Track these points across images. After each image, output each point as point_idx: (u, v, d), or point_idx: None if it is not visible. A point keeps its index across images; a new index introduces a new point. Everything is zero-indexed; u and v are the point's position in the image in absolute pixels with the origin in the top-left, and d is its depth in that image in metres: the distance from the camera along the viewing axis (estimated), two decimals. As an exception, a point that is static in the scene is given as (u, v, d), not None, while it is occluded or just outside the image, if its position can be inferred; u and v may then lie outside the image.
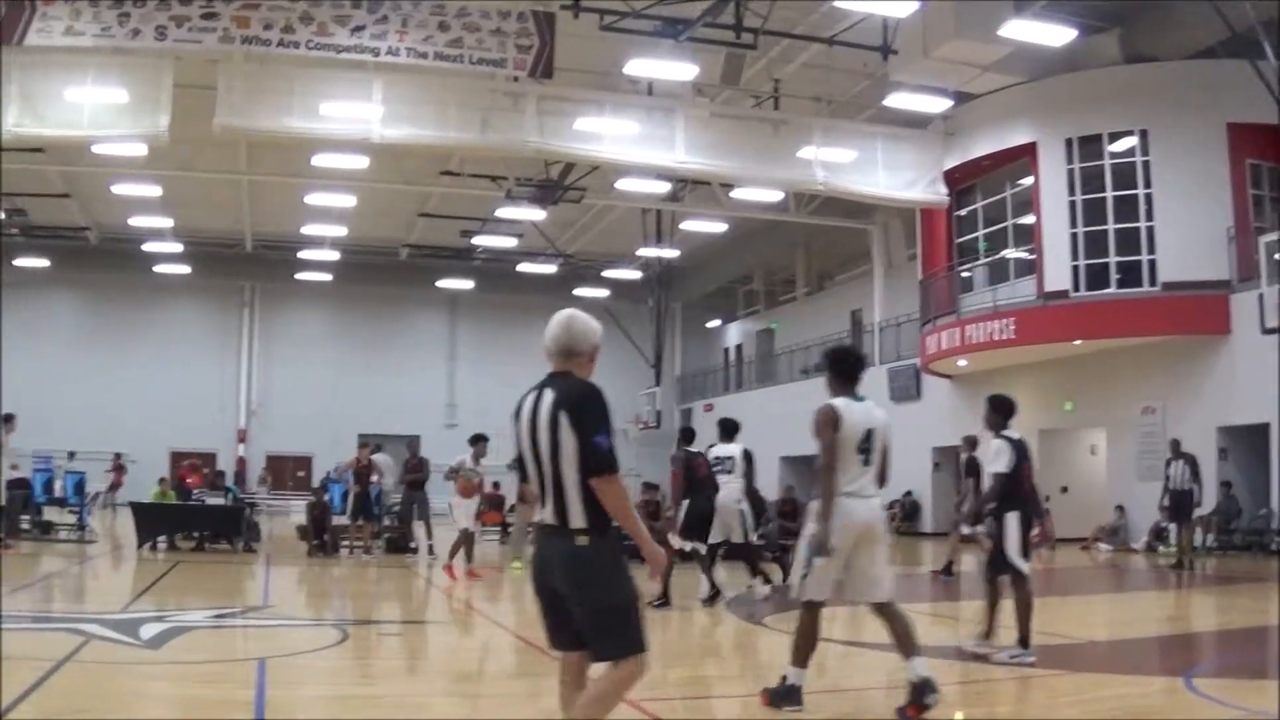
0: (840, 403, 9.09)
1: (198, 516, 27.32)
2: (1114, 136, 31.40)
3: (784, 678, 9.04)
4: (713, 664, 13.12)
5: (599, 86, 31.47)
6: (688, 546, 17.64)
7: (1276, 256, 23.79)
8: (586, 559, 6.40)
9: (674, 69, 28.78)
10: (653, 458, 50.66)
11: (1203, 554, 27.53)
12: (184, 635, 12.63)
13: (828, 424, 8.97)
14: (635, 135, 30.83)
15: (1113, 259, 30.96)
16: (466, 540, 21.86)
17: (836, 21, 28.97)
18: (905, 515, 40.54)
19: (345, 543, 26.51)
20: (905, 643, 8.92)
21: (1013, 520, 11.73)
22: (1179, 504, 24.95)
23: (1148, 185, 30.49)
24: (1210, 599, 20.07)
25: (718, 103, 33.47)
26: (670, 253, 48.18)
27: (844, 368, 9.42)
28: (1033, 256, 33.01)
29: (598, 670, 6.48)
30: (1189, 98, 30.19)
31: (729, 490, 18.10)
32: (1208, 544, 27.88)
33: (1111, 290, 30.95)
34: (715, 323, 63.32)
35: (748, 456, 18.65)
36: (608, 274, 52.79)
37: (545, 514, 6.50)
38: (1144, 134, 30.77)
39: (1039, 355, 33.47)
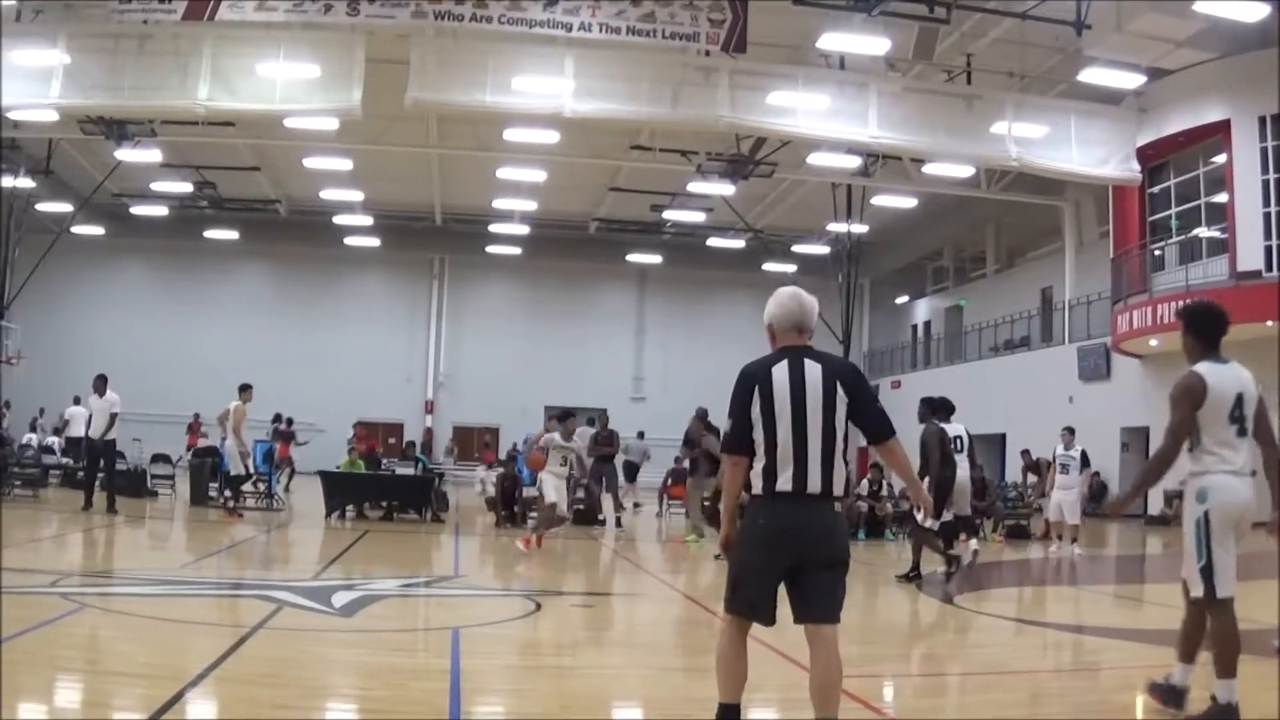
0: (1205, 368, 8.00)
1: (386, 486, 27.92)
2: (1308, 114, 30.80)
3: (1214, 697, 7.73)
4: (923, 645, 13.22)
5: (791, 61, 31.71)
6: (933, 522, 17.57)
7: None
8: (843, 525, 6.91)
9: (866, 43, 28.94)
10: (841, 434, 50.56)
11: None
12: (376, 603, 12.86)
13: (1186, 396, 7.92)
14: (827, 110, 31.01)
15: (1304, 240, 30.41)
16: (550, 515, 20.79)
17: (1032, -5, 28.80)
18: (1093, 497, 40.06)
19: (533, 514, 26.35)
20: (1224, 660, 7.75)
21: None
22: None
23: (1343, 164, 29.87)
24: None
25: (910, 77, 33.45)
26: (859, 228, 48.03)
27: (1204, 327, 8.30)
28: (1225, 235, 32.53)
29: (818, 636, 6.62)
30: (1385, 74, 29.55)
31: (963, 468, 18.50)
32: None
33: (1306, 271, 30.39)
34: (903, 299, 63.02)
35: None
36: (796, 249, 52.82)
37: (795, 482, 6.57)
38: (1344, 113, 30.11)
39: (1230, 336, 32.47)
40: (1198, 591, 7.86)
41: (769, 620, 6.76)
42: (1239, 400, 7.91)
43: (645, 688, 9.27)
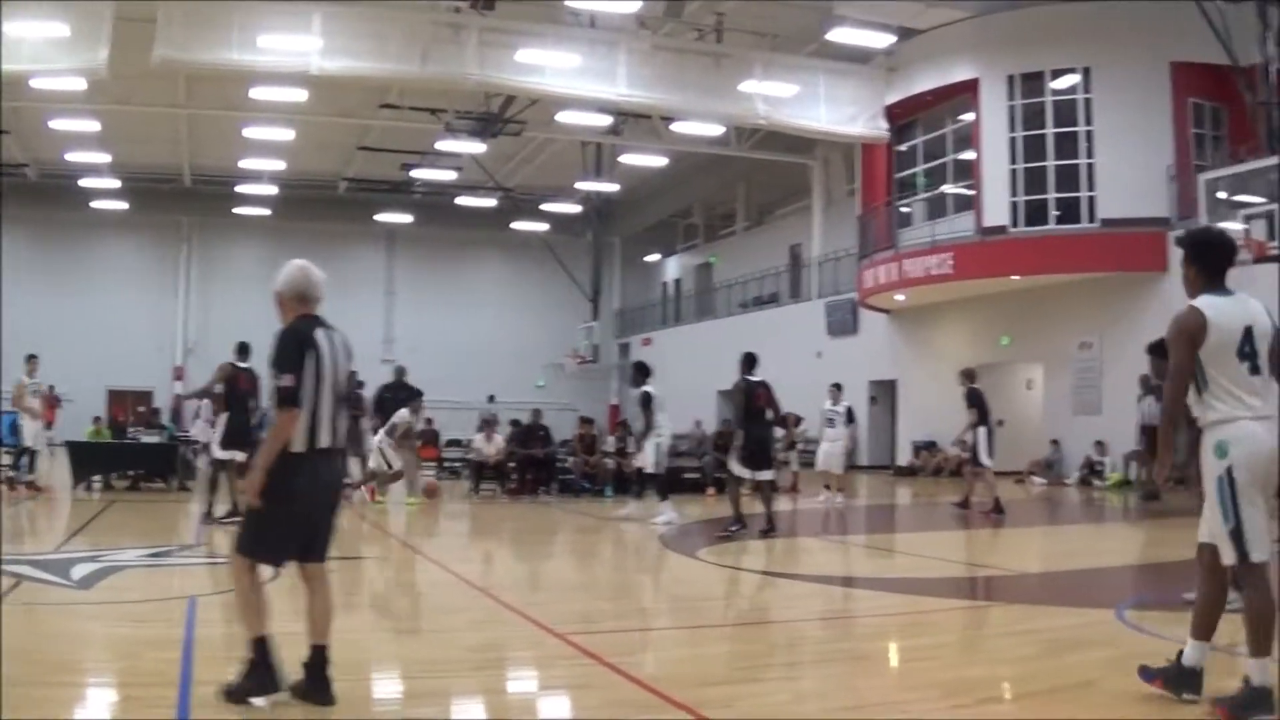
0: (1205, 302, 6.81)
1: (133, 455, 26.73)
2: (1056, 74, 31.24)
3: (1246, 679, 6.55)
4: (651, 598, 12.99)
5: (541, 19, 31.13)
6: (748, 474, 17.62)
7: (1219, 195, 23.72)
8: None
9: (617, 3, 28.50)
10: (589, 391, 50.65)
11: (1136, 487, 27.68)
12: (115, 574, 12.24)
13: (1182, 334, 6.80)
14: (577, 68, 30.74)
15: (1052, 195, 30.94)
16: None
17: (788, -44, 28.74)
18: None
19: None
20: (1257, 632, 6.64)
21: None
22: (1148, 439, 24.96)
23: (1089, 123, 30.45)
24: (1144, 532, 20.09)
25: (660, 36, 33.22)
26: (610, 186, 48.03)
27: (1206, 256, 7.09)
28: (972, 192, 32.84)
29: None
30: (1133, 36, 30.13)
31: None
32: (1141, 477, 27.92)
33: (1050, 226, 30.94)
34: (654, 257, 62.86)
35: (642, 401, 19.61)
36: (546, 207, 52.30)
37: (330, 438, 7.07)
38: (1086, 72, 30.69)
39: (976, 290, 33.40)
40: (1230, 559, 6.71)
41: (281, 563, 7.30)
42: (1248, 334, 6.74)
43: (380, 650, 9.06)
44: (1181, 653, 6.89)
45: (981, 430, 21.23)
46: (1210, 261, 6.98)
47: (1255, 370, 6.71)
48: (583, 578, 14.43)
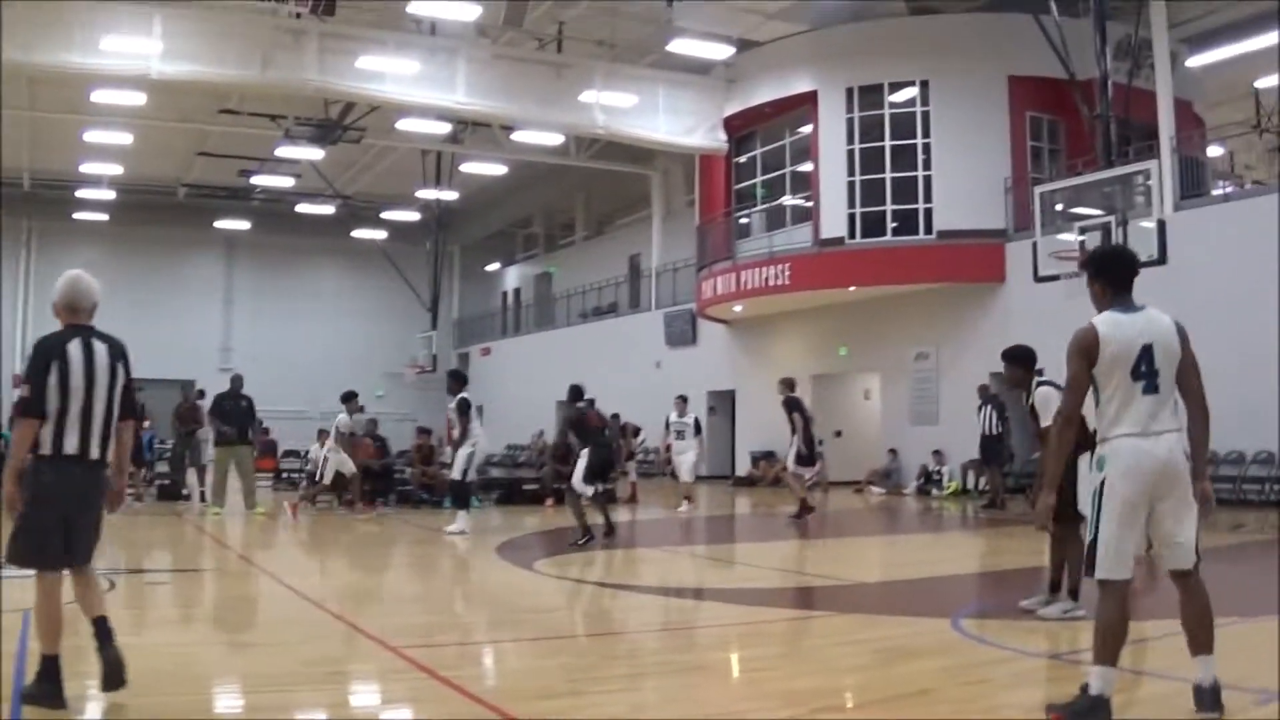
0: (1104, 319, 6.88)
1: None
2: (894, 87, 31.36)
3: (1084, 686, 6.58)
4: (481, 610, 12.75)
5: (382, 25, 30.81)
6: (590, 489, 17.86)
7: (1058, 207, 23.94)
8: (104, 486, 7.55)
9: (457, 9, 28.33)
10: (428, 401, 50.13)
11: (975, 496, 27.90)
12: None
13: (1077, 350, 6.84)
14: (416, 75, 30.48)
15: (889, 207, 31.04)
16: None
17: (625, -37, 28.67)
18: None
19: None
20: (1199, 634, 6.72)
21: (1083, 465, 9.04)
22: (988, 449, 25.17)
23: (926, 135, 30.62)
24: (983, 541, 20.19)
25: (500, 44, 33.00)
26: (449, 195, 47.63)
27: (1109, 270, 7.13)
28: (810, 204, 32.84)
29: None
30: (971, 50, 30.42)
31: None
32: (980, 486, 28.15)
33: (887, 238, 31.07)
34: (494, 266, 62.58)
35: (460, 407, 19.51)
36: (386, 215, 51.71)
37: (80, 446, 7.17)
38: (924, 85, 30.85)
39: (814, 301, 33.51)
40: (1088, 570, 6.85)
41: (62, 566, 7.21)
42: (1146, 352, 6.75)
43: (215, 664, 8.84)
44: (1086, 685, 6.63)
45: (798, 438, 21.67)
46: (1113, 276, 7.01)
47: (1151, 389, 6.73)
48: (418, 590, 14.20)
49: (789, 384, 22.34)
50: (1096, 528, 6.68)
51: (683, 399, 26.14)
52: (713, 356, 39.64)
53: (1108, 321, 6.80)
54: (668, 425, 26.41)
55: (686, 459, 25.95)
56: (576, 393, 19.01)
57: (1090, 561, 6.72)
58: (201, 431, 25.83)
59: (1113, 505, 6.63)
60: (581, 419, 18.50)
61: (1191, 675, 6.65)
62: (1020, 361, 11.14)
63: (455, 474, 19.76)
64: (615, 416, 30.19)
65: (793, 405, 21.75)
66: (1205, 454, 6.99)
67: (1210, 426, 6.95)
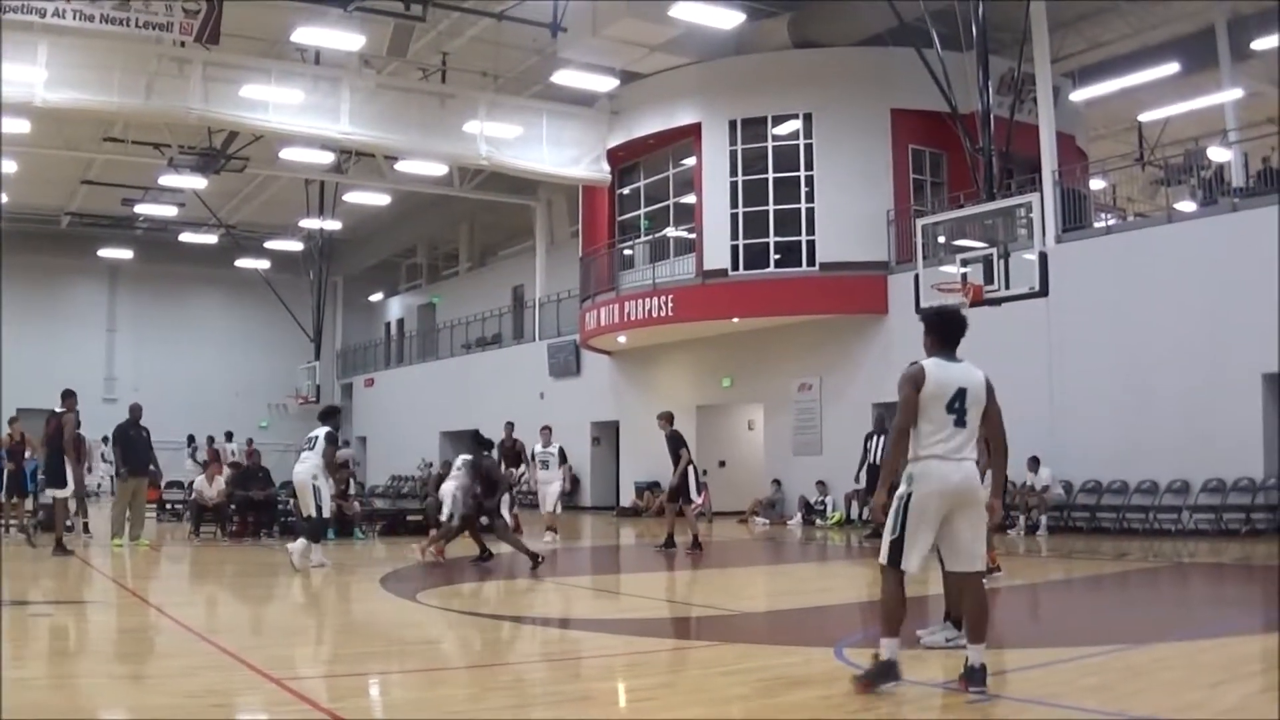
0: (929, 362, 8.35)
1: None
2: (778, 119, 31.37)
3: (875, 655, 8.18)
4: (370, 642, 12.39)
5: (266, 54, 30.59)
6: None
7: (941, 239, 23.88)
8: None
9: (341, 38, 27.98)
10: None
11: (859, 526, 27.78)
12: None
13: (908, 379, 8.27)
14: (300, 104, 30.06)
15: (772, 239, 30.96)
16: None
17: (510, -4, 28.44)
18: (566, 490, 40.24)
19: (-1, 521, 24.74)
20: (976, 626, 8.16)
21: None
22: (875, 478, 25.04)
23: (809, 168, 30.60)
24: (867, 570, 19.97)
25: (385, 74, 32.75)
26: (333, 225, 47.12)
27: (939, 330, 8.58)
28: (693, 236, 32.71)
29: None
30: (854, 84, 30.51)
31: (305, 466, 18.41)
32: (864, 516, 28.02)
33: (770, 270, 30.98)
34: (377, 296, 62.08)
35: (331, 439, 18.85)
36: (269, 245, 51.12)
37: None
38: (808, 118, 30.84)
39: (697, 332, 33.34)
40: (883, 559, 8.22)
41: None
42: (960, 394, 8.21)
43: (97, 697, 8.54)
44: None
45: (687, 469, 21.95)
46: (943, 334, 8.50)
47: (961, 424, 8.16)
48: (300, 622, 13.77)
49: (670, 418, 22.48)
50: (901, 528, 8.08)
51: (547, 429, 25.78)
52: (597, 387, 39.40)
53: (933, 364, 8.29)
54: (532, 456, 25.91)
55: (552, 489, 25.49)
56: (485, 443, 19.69)
57: (893, 554, 8.12)
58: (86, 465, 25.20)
59: (917, 512, 8.03)
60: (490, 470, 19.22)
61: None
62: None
63: (325, 509, 19.05)
64: (500, 444, 30.00)
65: (679, 439, 21.95)
66: (1002, 482, 8.91)
67: (1008, 462, 8.96)
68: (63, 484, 20.97)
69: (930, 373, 8.21)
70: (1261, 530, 22.39)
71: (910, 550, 8.09)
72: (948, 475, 8.07)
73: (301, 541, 18.11)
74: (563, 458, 26.71)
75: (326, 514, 18.84)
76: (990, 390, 8.38)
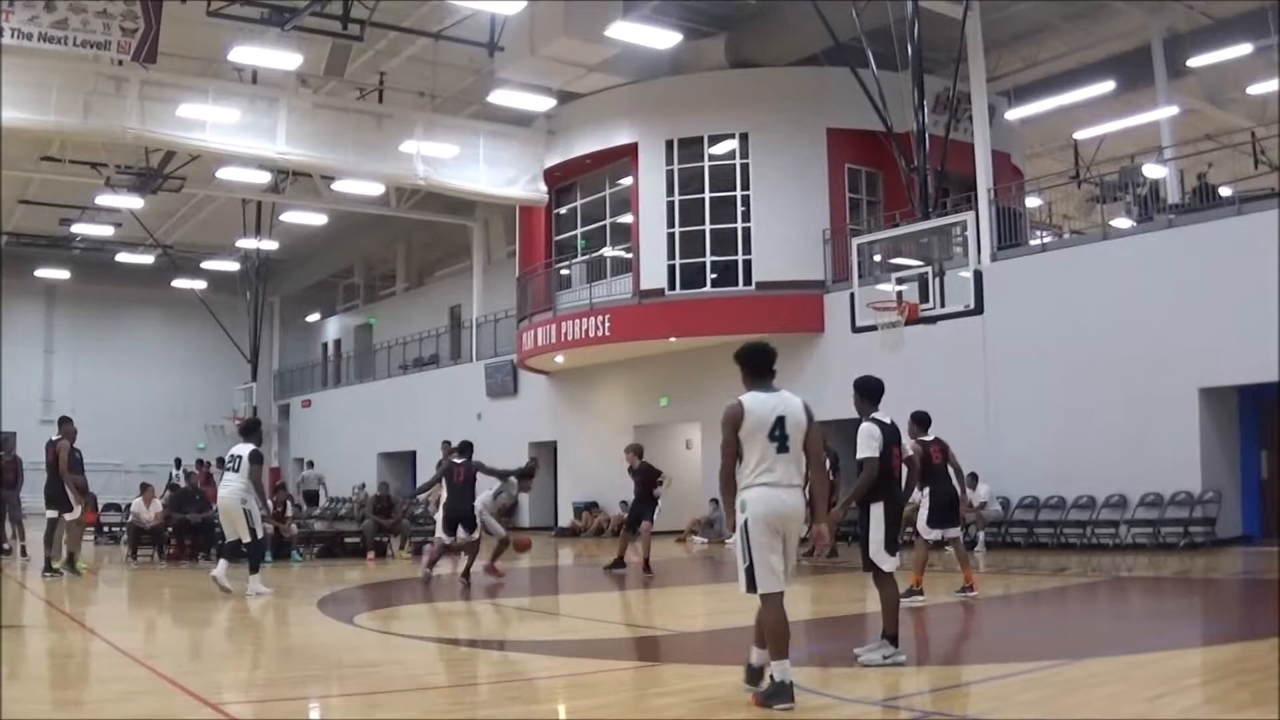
0: (747, 397, 8.76)
1: None
2: (714, 139, 31.28)
3: (770, 676, 8.48)
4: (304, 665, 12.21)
5: (204, 74, 30.33)
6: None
7: (877, 258, 23.88)
8: None
9: (278, 58, 27.79)
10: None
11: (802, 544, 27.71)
12: None
13: (727, 421, 8.71)
14: (237, 124, 29.82)
15: (709, 259, 30.93)
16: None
17: (445, 16, 28.35)
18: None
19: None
20: (777, 642, 8.52)
21: (878, 512, 10.76)
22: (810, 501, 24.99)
23: (746, 187, 30.54)
24: (806, 589, 19.96)
25: (322, 94, 32.59)
26: (269, 245, 46.77)
27: (748, 363, 9.07)
28: (630, 255, 32.63)
29: None
30: (790, 103, 30.51)
31: (231, 489, 17.85)
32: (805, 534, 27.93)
33: (706, 289, 30.94)
34: (314, 317, 61.76)
35: (256, 457, 18.05)
36: (206, 265, 50.59)
37: None
38: (744, 137, 30.79)
39: (635, 352, 33.19)
40: (742, 589, 8.59)
41: None
42: (780, 421, 8.61)
43: None
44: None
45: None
46: (754, 367, 8.99)
47: (783, 450, 8.60)
48: (237, 645, 13.48)
49: (638, 450, 22.49)
50: (750, 555, 8.48)
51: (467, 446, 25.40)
52: (534, 407, 39.19)
53: (750, 398, 8.72)
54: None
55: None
56: (464, 448, 20.23)
57: (750, 582, 8.51)
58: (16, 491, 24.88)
59: (757, 537, 8.44)
60: (450, 473, 19.83)
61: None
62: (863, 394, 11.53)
63: (259, 531, 18.59)
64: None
65: (652, 472, 22.15)
66: (824, 501, 9.94)
67: (824, 480, 9.62)
68: (67, 507, 20.53)
69: (748, 408, 8.64)
70: (1200, 544, 22.42)
71: (763, 573, 8.49)
72: (778, 500, 8.54)
73: (223, 564, 17.83)
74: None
75: (260, 535, 18.17)
76: (809, 414, 8.80)
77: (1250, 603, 16.38)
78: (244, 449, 18.06)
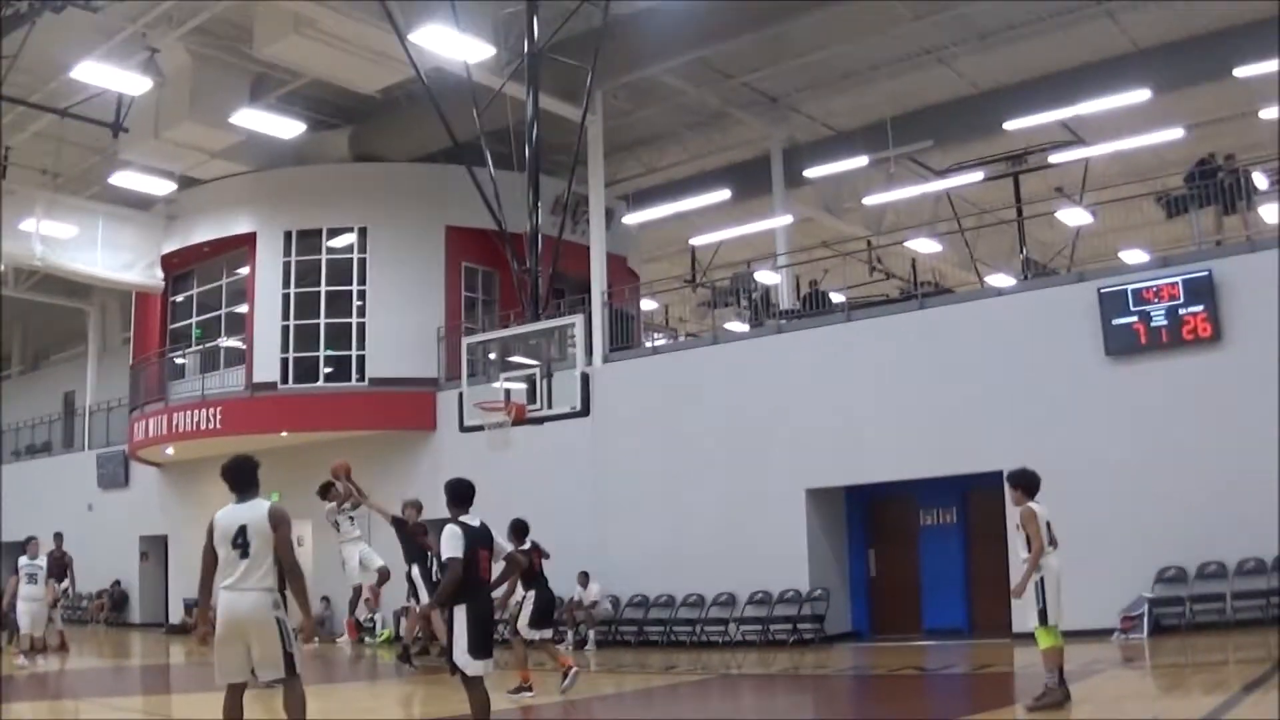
0: (222, 510, 9.67)
1: None
2: (334, 232, 31.02)
3: None
4: None
5: None
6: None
7: (492, 356, 23.76)
8: None
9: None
10: None
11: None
12: None
13: (207, 534, 9.59)
14: None
15: (322, 353, 30.57)
16: None
17: (75, 93, 27.23)
18: (114, 606, 38.53)
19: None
20: None
21: (461, 615, 10.41)
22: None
23: (362, 282, 30.36)
24: (416, 688, 19.77)
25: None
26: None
27: (232, 478, 9.85)
28: (244, 346, 31.91)
29: None
30: (411, 199, 30.55)
31: None
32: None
33: (320, 384, 30.53)
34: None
35: None
36: None
37: None
38: (363, 231, 30.63)
39: (247, 445, 31.90)
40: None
41: None
42: (242, 530, 9.40)
43: None
44: None
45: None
46: (232, 481, 9.75)
47: (245, 555, 9.35)
48: None
49: (418, 506, 22.36)
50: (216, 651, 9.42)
51: (33, 539, 24.17)
52: (145, 500, 37.76)
53: (222, 511, 9.63)
54: (17, 569, 23.74)
55: (33, 606, 23.23)
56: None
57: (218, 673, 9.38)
58: None
59: (218, 639, 9.35)
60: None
61: None
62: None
63: None
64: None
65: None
66: (305, 602, 9.78)
67: (306, 585, 9.89)
68: None
69: (217, 520, 9.59)
70: (809, 640, 22.94)
71: (220, 670, 9.43)
72: (234, 603, 9.32)
73: None
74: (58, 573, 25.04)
75: None
76: (276, 520, 9.47)
77: (860, 698, 16.87)
78: None
